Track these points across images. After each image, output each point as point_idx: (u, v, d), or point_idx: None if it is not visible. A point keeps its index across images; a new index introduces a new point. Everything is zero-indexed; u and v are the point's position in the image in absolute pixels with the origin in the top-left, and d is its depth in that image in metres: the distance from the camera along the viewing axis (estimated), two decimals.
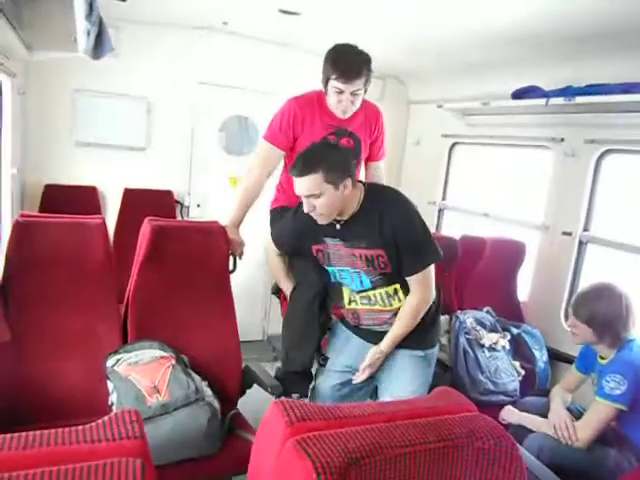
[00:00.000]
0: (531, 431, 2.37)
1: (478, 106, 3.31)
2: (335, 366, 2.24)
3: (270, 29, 3.61)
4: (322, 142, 2.32)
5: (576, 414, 2.37)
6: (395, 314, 2.07)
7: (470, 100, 3.45)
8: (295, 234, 2.14)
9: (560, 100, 2.80)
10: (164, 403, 1.88)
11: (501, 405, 2.57)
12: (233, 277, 2.49)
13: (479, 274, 3.08)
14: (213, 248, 2.36)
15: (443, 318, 2.80)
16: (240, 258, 2.56)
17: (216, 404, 2.01)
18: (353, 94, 2.30)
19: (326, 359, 2.28)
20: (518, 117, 3.36)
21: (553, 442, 2.24)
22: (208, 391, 2.06)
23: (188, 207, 4.06)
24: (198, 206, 4.06)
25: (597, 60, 2.80)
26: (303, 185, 1.88)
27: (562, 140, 3.12)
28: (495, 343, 2.77)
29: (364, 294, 2.09)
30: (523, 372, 2.82)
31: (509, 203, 3.68)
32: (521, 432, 2.41)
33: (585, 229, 3.03)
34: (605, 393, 2.15)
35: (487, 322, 2.88)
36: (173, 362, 2.06)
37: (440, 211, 4.23)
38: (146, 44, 3.74)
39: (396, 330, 2.05)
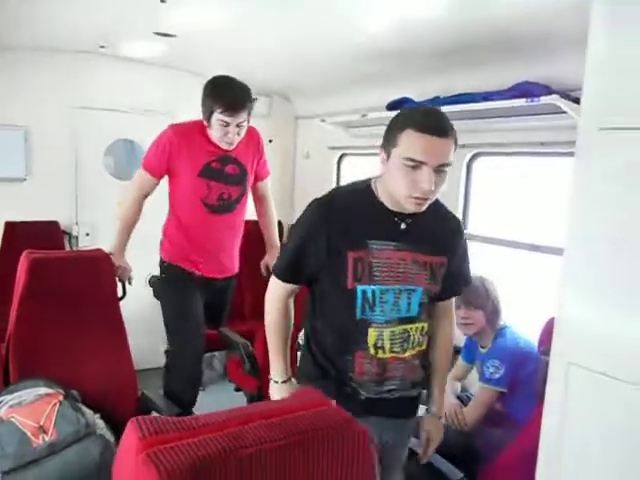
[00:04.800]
0: None
1: (357, 118, 3.46)
2: None
3: (148, 51, 3.57)
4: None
5: (466, 401, 2.53)
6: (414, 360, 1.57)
7: (351, 113, 3.60)
8: (340, 229, 1.48)
9: None
10: (51, 442, 1.81)
11: None
12: (127, 304, 2.44)
13: None
14: (98, 276, 2.30)
15: None
16: (130, 284, 2.52)
17: (109, 436, 1.95)
18: (238, 125, 2.34)
19: None
20: None
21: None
22: (101, 424, 2.00)
23: (77, 237, 3.90)
24: (87, 235, 3.90)
25: (462, 73, 3.01)
26: (443, 149, 1.35)
27: None
28: None
29: (400, 329, 1.49)
30: None
31: None
32: None
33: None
34: (486, 378, 2.35)
35: None
36: (60, 398, 1.97)
37: None
38: (21, 71, 3.59)
39: (441, 372, 1.70)
